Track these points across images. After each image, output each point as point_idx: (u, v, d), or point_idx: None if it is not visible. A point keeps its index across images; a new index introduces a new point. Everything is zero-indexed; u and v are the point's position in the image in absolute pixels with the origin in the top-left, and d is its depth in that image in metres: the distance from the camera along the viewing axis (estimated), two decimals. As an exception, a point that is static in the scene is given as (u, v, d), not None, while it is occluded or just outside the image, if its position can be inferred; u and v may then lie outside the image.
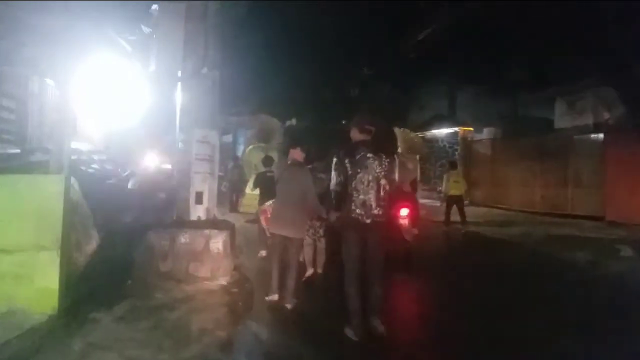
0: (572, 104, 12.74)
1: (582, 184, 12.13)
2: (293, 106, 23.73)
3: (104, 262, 4.85)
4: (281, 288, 4.74)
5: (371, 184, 3.74)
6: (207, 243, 5.48)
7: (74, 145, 6.19)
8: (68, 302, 4.03)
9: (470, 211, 14.06)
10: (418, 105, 19.89)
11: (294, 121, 26.61)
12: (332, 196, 3.94)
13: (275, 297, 4.75)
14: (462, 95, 18.46)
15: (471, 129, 16.63)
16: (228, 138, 19.77)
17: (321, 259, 5.86)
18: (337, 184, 3.82)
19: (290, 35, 18.54)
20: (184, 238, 5.48)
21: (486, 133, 16.46)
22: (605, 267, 7.02)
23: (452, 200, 10.88)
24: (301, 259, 5.39)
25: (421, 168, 15.35)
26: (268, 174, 6.95)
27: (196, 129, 5.69)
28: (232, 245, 5.78)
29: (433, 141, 18.86)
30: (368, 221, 3.73)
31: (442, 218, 11.08)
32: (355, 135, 3.92)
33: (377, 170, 3.77)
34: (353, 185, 3.75)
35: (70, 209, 4.16)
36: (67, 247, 4.06)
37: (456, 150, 17.37)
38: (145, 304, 4.61)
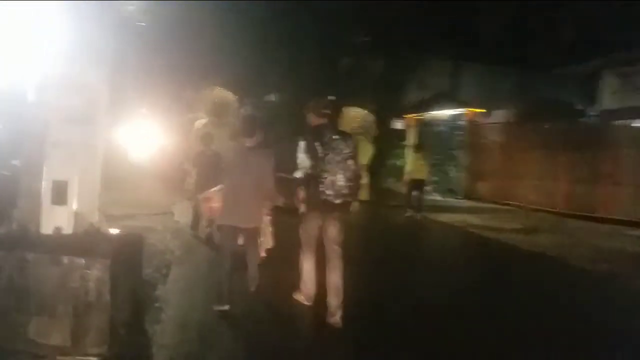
0: (627, 78, 10.26)
1: (620, 181, 9.87)
2: (272, 79, 21.19)
3: None
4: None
5: (340, 164, 3.78)
6: (66, 281, 2.87)
7: None
8: None
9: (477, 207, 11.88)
10: (416, 81, 17.28)
11: (272, 97, 23.95)
12: (301, 180, 3.92)
13: (227, 307, 3.90)
14: (468, 72, 15.91)
15: (482, 110, 14.13)
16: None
17: (265, 245, 5.09)
18: (310, 167, 3.83)
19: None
20: (24, 271, 2.86)
21: (496, 116, 14.02)
22: None
23: (414, 184, 10.07)
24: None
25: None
26: (207, 154, 6.20)
27: (61, 63, 3.00)
28: (119, 283, 3.13)
29: (433, 125, 16.39)
30: (338, 201, 3.77)
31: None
32: (313, 119, 3.99)
33: (345, 152, 3.81)
34: (322, 167, 3.76)
35: None
36: None
37: (459, 135, 14.96)
38: None
